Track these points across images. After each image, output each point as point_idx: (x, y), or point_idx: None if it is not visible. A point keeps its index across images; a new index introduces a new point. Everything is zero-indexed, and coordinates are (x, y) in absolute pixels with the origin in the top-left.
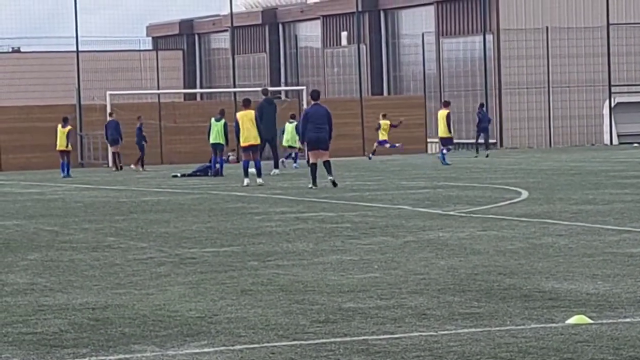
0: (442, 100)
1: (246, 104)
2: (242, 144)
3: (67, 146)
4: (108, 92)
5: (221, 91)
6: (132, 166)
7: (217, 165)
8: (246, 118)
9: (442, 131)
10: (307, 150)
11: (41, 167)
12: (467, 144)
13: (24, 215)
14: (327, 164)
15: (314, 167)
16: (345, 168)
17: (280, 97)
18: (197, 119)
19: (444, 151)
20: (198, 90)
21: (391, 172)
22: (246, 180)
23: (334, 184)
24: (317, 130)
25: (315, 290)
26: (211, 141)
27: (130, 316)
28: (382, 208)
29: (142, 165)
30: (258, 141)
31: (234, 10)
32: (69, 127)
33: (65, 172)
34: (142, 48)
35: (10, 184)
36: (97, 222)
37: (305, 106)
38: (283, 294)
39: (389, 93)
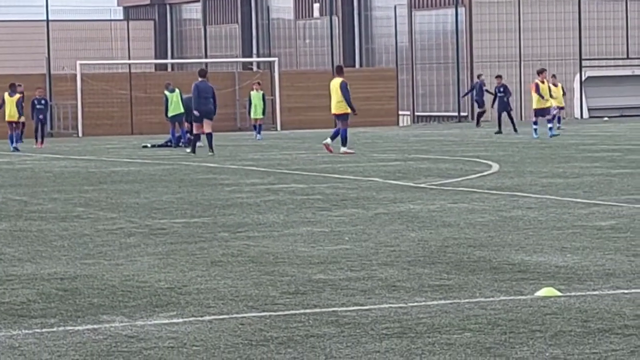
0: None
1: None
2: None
3: (19, 117)
4: (78, 62)
5: (192, 62)
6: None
7: (185, 136)
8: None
9: (536, 102)
10: (194, 121)
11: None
12: (440, 116)
13: None
14: (209, 136)
15: (197, 137)
16: (316, 140)
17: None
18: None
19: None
20: (169, 60)
21: (362, 144)
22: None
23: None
24: (206, 103)
25: (285, 262)
26: (170, 113)
27: (99, 287)
28: (354, 180)
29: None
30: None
31: None
32: (17, 95)
33: (15, 143)
34: (113, 18)
35: None
36: (66, 192)
37: (277, 77)
38: (253, 265)
39: (360, 65)
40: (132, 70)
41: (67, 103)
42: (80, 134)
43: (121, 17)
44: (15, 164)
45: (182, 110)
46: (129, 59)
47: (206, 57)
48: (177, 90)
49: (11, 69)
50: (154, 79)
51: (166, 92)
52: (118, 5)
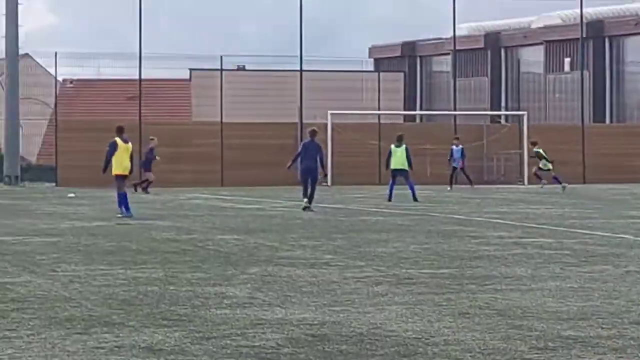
0: None
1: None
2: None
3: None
4: (329, 112)
5: (441, 113)
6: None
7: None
8: None
9: None
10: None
11: (262, 183)
12: None
13: (245, 229)
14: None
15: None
16: (565, 195)
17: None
18: (417, 141)
19: None
20: (418, 112)
21: (612, 200)
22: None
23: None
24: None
25: (533, 316)
26: (393, 167)
27: (347, 334)
28: (603, 236)
29: (142, 189)
30: None
31: (457, 33)
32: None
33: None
34: (364, 69)
35: (231, 199)
36: (315, 239)
37: (525, 131)
38: (501, 319)
39: (611, 121)
40: (382, 121)
41: None
42: (329, 183)
43: (372, 69)
44: (266, 210)
45: (406, 166)
46: (379, 109)
47: (455, 109)
48: (404, 146)
49: (264, 117)
50: (403, 130)
51: (392, 146)
52: (369, 57)
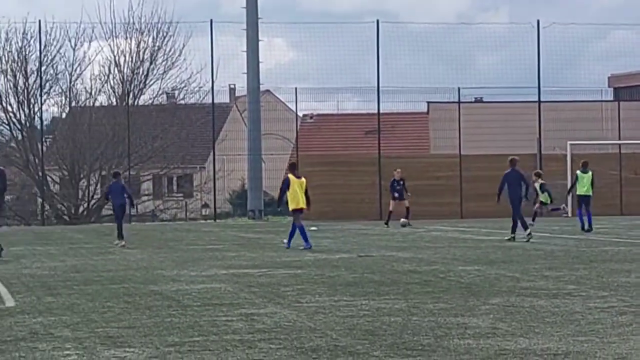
0: None
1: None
2: None
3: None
4: (569, 142)
5: None
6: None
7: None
8: None
9: None
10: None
11: (500, 215)
12: None
13: (485, 260)
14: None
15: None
16: None
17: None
18: None
19: None
20: None
21: None
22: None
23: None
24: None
25: None
26: (579, 192)
27: None
28: None
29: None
30: None
31: None
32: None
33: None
34: (603, 99)
35: (470, 231)
36: (557, 269)
37: None
38: None
39: None
40: (622, 151)
41: (557, 183)
42: (569, 214)
43: (611, 98)
44: (506, 242)
45: (591, 192)
46: (619, 139)
47: None
48: (590, 172)
49: (502, 149)
50: None
51: (578, 171)
52: (608, 86)
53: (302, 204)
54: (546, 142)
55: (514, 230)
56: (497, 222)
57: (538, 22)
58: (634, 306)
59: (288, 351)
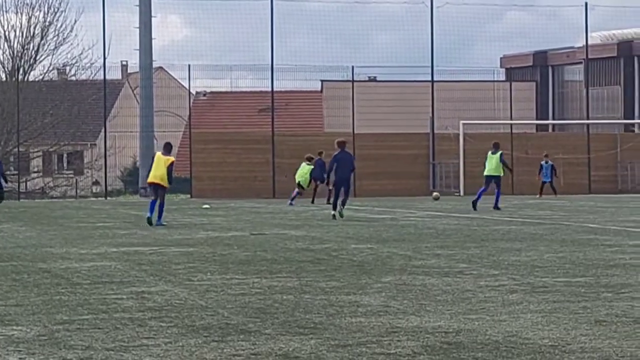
0: None
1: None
2: None
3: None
4: (461, 122)
5: (573, 123)
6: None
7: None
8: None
9: None
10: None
11: (394, 193)
12: None
13: (378, 239)
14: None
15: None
16: None
17: None
18: (549, 151)
19: None
20: (550, 121)
21: None
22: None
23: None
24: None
25: None
26: (486, 173)
27: (482, 341)
28: None
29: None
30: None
31: (589, 42)
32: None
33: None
34: (495, 79)
35: (364, 210)
36: (449, 248)
37: None
38: (638, 326)
39: None
40: (514, 131)
41: (450, 162)
42: (461, 193)
43: (503, 78)
44: (399, 220)
45: (500, 172)
46: (511, 119)
47: (587, 118)
48: (499, 152)
49: (396, 127)
50: (535, 140)
51: (489, 152)
52: (501, 66)
53: (153, 178)
54: (439, 122)
55: (335, 207)
56: (391, 201)
57: (432, 1)
58: (524, 284)
59: (179, 329)
